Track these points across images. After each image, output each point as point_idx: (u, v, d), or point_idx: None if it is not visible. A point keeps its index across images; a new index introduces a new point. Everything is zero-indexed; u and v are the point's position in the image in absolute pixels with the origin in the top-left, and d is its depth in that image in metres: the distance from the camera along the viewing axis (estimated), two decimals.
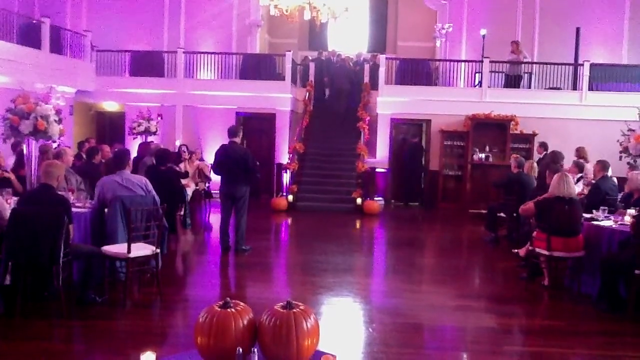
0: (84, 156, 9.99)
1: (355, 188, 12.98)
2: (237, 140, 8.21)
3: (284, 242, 10.61)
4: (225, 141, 8.35)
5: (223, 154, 8.09)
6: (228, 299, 3.04)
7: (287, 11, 9.14)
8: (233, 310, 2.93)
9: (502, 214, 9.61)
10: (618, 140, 9.51)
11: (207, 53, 15.70)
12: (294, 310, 2.88)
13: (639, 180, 6.99)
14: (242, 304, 3.04)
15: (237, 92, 14.77)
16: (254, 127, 14.86)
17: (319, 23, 9.89)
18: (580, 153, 11.08)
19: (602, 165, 8.13)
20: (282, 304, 2.97)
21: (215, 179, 9.46)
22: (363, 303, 6.31)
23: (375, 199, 13.27)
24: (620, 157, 9.61)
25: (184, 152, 11.77)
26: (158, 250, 5.88)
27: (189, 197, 10.41)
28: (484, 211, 10.60)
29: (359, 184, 13.13)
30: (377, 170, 14.06)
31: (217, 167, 8.22)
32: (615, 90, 14.27)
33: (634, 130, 8.63)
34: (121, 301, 5.67)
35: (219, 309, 2.95)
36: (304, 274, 7.54)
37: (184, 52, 15.30)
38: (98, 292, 5.61)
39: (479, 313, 5.97)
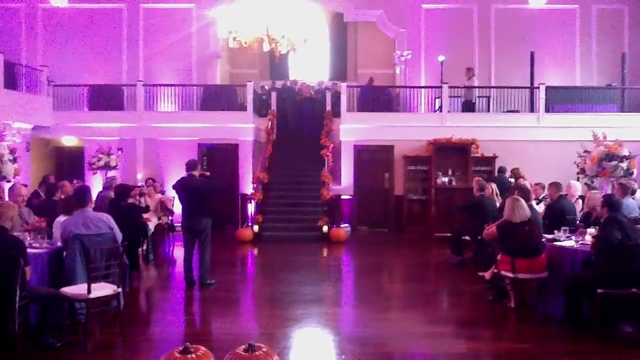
0: (42, 194, 9.70)
1: (320, 216, 12.95)
2: (196, 173, 8.12)
3: (250, 274, 10.43)
4: None
5: (181, 188, 8.01)
6: (188, 344, 2.93)
7: (245, 43, 9.13)
8: (193, 355, 2.82)
9: (466, 237, 9.69)
10: (575, 162, 9.73)
11: (167, 85, 15.61)
12: (256, 352, 2.79)
13: (597, 200, 7.13)
14: (202, 348, 2.93)
15: (199, 123, 14.69)
16: (217, 158, 14.78)
17: (279, 54, 9.92)
18: (514, 174, 11.32)
19: (556, 187, 8.33)
20: (243, 346, 2.88)
21: (178, 212, 9.31)
22: (332, 334, 6.21)
23: (342, 225, 13.25)
24: (578, 178, 9.83)
25: (150, 185, 11.62)
26: (119, 289, 5.71)
27: (151, 232, 10.19)
28: (449, 234, 10.67)
29: (325, 212, 13.11)
30: (343, 197, 14.08)
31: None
32: (570, 111, 14.68)
33: (589, 152, 8.86)
34: (81, 344, 5.44)
35: (179, 356, 2.84)
36: (271, 306, 7.41)
37: (143, 85, 15.17)
38: (57, 336, 5.39)
39: (448, 339, 5.94)
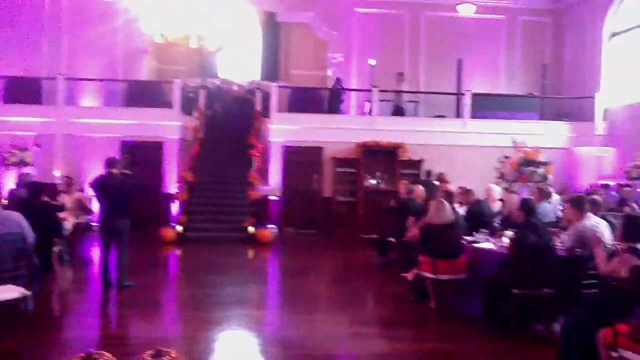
0: None
1: (247, 217, 12.76)
2: (115, 171, 7.80)
3: (171, 276, 10.13)
4: None
5: (98, 186, 7.68)
6: (91, 350, 2.75)
7: (172, 39, 8.90)
8: None
9: (392, 239, 9.79)
10: (495, 167, 10.05)
11: (90, 80, 14.97)
12: (164, 358, 2.64)
13: (515, 203, 7.35)
14: (107, 355, 2.75)
15: (123, 120, 14.15)
16: (141, 156, 14.17)
17: (207, 51, 9.74)
18: (440, 178, 11.64)
19: (468, 192, 8.62)
20: (150, 352, 2.72)
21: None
22: (255, 336, 6.10)
23: (268, 227, 13.12)
24: (498, 183, 10.15)
25: (67, 183, 11.08)
26: (29, 292, 5.37)
27: (67, 232, 9.70)
28: (376, 236, 10.75)
29: (251, 213, 12.94)
30: (270, 197, 13.96)
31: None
32: (494, 118, 15.17)
33: (508, 158, 9.18)
34: None
35: None
36: (193, 309, 7.20)
37: (64, 78, 14.47)
38: None
39: (371, 339, 5.95)
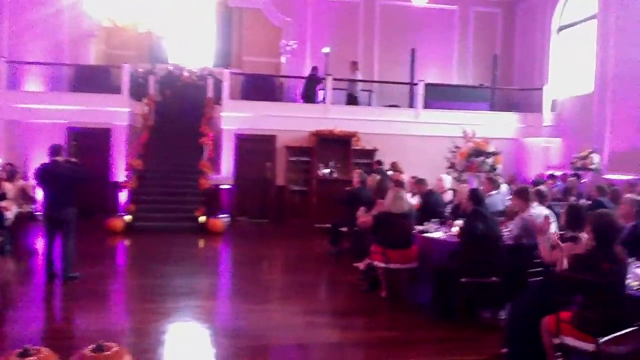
0: None
1: (198, 206, 12.56)
2: (60, 159, 7.53)
3: (119, 267, 9.87)
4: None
5: (43, 175, 7.40)
6: (28, 346, 2.62)
7: (120, 23, 8.62)
8: (33, 358, 2.52)
9: (344, 228, 9.81)
10: (446, 157, 10.15)
11: (34, 63, 14.37)
12: (105, 352, 2.55)
13: (465, 192, 7.45)
14: (45, 350, 2.64)
15: (69, 105, 13.65)
16: (88, 143, 13.78)
17: (157, 36, 9.49)
18: (393, 167, 11.75)
19: (421, 182, 8.73)
20: (92, 346, 2.62)
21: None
22: (206, 327, 6.02)
23: (220, 216, 12.96)
24: (448, 172, 10.29)
25: (10, 170, 10.64)
26: None
27: (9, 221, 9.32)
28: (329, 225, 10.76)
29: (203, 202, 12.74)
30: (222, 186, 13.78)
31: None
32: (446, 108, 15.37)
33: (459, 148, 9.30)
34: None
35: (17, 359, 2.53)
36: (142, 300, 7.05)
37: (6, 61, 13.86)
38: None
39: (323, 329, 5.97)
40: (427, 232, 6.98)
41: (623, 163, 12.81)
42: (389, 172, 12.15)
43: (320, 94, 15.42)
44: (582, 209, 4.88)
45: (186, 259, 9.70)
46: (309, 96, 15.38)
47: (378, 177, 10.16)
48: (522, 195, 6.31)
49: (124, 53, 17.16)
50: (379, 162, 12.80)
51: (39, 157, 12.59)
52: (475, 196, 6.17)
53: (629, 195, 6.17)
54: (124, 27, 9.07)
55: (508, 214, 7.26)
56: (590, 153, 12.66)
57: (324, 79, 15.22)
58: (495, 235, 5.86)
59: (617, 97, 13.41)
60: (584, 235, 4.67)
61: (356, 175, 10.18)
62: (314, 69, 15.74)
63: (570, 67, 15.76)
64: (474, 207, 6.03)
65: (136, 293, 7.56)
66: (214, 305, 7.19)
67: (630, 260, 4.36)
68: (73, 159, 7.93)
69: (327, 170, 14.28)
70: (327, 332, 5.88)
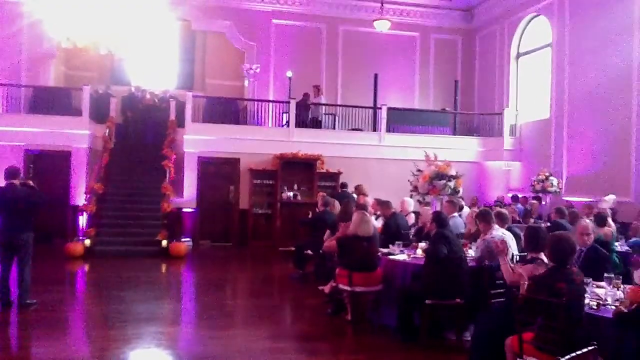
0: None
1: (160, 230, 12.36)
2: (17, 182, 7.33)
3: (79, 293, 9.59)
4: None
5: None
6: None
7: (80, 45, 8.48)
8: None
9: (309, 252, 9.78)
10: (409, 180, 10.27)
11: None
12: None
13: (429, 215, 7.54)
14: None
15: (26, 127, 13.32)
16: (47, 166, 13.46)
17: (118, 58, 9.39)
18: (358, 190, 11.87)
19: (386, 205, 8.79)
20: None
21: None
22: (169, 354, 5.88)
23: (183, 240, 12.77)
24: (411, 195, 10.40)
25: None
26: None
27: None
28: (293, 248, 10.72)
29: (165, 225, 12.54)
30: (185, 210, 13.60)
31: None
32: (408, 132, 15.60)
33: (421, 171, 9.44)
34: None
35: None
36: (101, 327, 6.84)
37: None
38: None
39: (288, 354, 5.90)
40: (391, 254, 7.01)
41: (580, 185, 13.22)
42: (354, 195, 12.20)
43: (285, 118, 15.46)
44: (541, 230, 4.98)
45: (148, 284, 9.51)
46: (301, 121, 15.41)
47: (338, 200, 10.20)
48: (485, 217, 6.41)
49: (84, 74, 16.92)
50: (343, 185, 12.86)
51: None
52: (439, 219, 6.24)
53: (582, 220, 6.34)
54: (85, 48, 8.92)
55: (467, 236, 7.36)
56: (548, 176, 13.00)
57: (313, 104, 15.29)
58: (459, 257, 5.92)
59: (572, 122, 13.87)
60: (543, 257, 4.77)
61: (320, 198, 10.19)
62: (305, 95, 15.85)
63: (529, 92, 16.25)
64: (437, 230, 6.09)
65: (96, 320, 7.33)
66: (177, 331, 7.03)
67: (587, 280, 4.45)
68: (30, 182, 7.71)
69: (291, 194, 14.28)
70: (293, 356, 5.83)
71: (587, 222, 6.03)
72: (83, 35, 8.48)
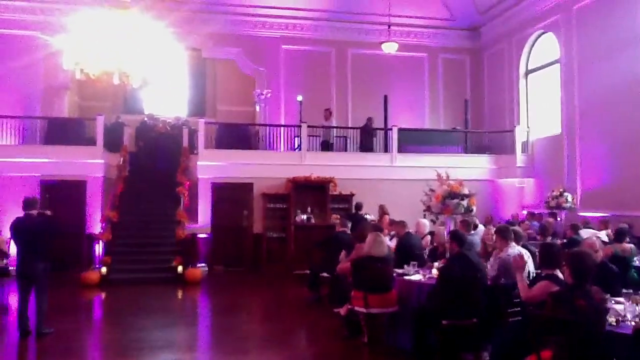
0: None
1: (175, 256, 12.40)
2: (34, 212, 7.43)
3: (95, 321, 9.62)
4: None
5: (16, 229, 7.30)
6: None
7: (94, 75, 8.63)
8: None
9: (324, 274, 9.75)
10: (421, 200, 10.22)
11: (7, 117, 14.26)
12: None
13: (443, 235, 7.52)
14: None
15: (42, 158, 13.49)
16: (62, 196, 13.54)
17: (131, 87, 9.53)
18: (381, 210, 11.82)
19: (401, 225, 8.75)
20: None
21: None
22: None
23: (198, 265, 12.80)
24: (424, 215, 10.35)
25: None
26: None
27: None
28: (307, 272, 10.69)
29: (179, 252, 12.58)
30: (199, 235, 13.65)
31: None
32: (420, 152, 15.60)
33: (434, 191, 9.39)
34: None
35: None
36: (118, 355, 6.86)
37: None
38: None
39: None
40: (406, 275, 6.98)
41: (595, 200, 13.09)
42: (368, 216, 12.17)
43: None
44: (555, 247, 4.94)
45: (163, 311, 9.53)
46: (365, 146, 15.52)
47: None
48: (503, 233, 6.38)
49: (97, 104, 17.17)
50: (358, 207, 12.83)
51: (12, 211, 12.40)
52: (457, 237, 6.21)
53: (588, 238, 6.30)
54: (98, 79, 9.07)
55: (482, 254, 7.31)
56: (563, 192, 12.90)
57: (376, 129, 15.37)
58: (473, 276, 5.86)
59: (584, 136, 13.80)
60: (558, 273, 4.74)
61: (337, 219, 10.19)
62: (369, 119, 15.98)
63: (539, 109, 16.22)
64: (458, 250, 6.07)
65: (112, 348, 7.34)
66: (193, 357, 7.03)
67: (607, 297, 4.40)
68: (47, 212, 7.81)
69: (304, 217, 14.28)
70: None
71: (594, 239, 6.00)
72: (96, 66, 8.64)
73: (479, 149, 16.68)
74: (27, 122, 14.31)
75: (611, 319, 4.24)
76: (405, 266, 7.21)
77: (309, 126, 15.17)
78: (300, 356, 6.93)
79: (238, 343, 7.49)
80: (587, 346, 3.82)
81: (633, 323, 4.18)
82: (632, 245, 7.86)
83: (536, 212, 13.98)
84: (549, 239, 10.19)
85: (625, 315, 4.38)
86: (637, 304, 4.57)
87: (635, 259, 7.87)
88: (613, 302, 4.60)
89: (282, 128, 16.06)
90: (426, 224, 9.54)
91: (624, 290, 4.70)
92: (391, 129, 15.69)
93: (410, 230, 8.94)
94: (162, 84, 17.79)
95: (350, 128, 16.42)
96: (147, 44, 8.65)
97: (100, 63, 8.64)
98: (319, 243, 10.49)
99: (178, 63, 16.80)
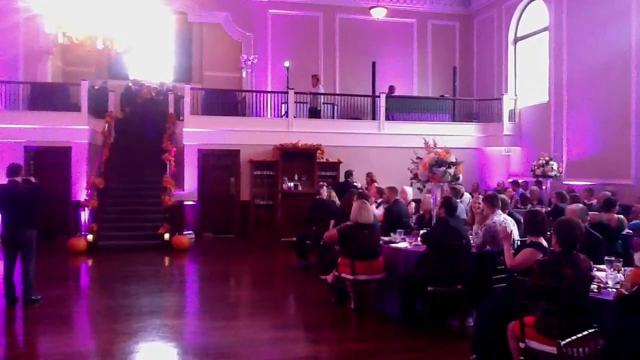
0: None
1: (162, 223, 12.39)
2: (19, 179, 7.36)
3: (83, 288, 9.64)
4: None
5: (1, 196, 7.25)
6: None
7: (77, 40, 8.46)
8: None
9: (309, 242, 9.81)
10: (409, 168, 10.24)
11: None
12: None
13: (430, 202, 7.57)
14: None
15: (26, 124, 13.30)
16: (47, 162, 13.44)
17: (115, 52, 9.38)
18: (369, 177, 11.83)
19: (393, 190, 8.77)
20: None
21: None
22: (173, 346, 5.93)
23: (185, 233, 12.81)
24: (411, 183, 10.38)
25: None
26: None
27: None
28: (295, 239, 10.74)
29: (167, 219, 12.57)
30: (186, 203, 13.63)
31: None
32: (408, 119, 15.56)
33: (421, 159, 9.41)
34: None
35: None
36: (106, 321, 6.88)
37: None
38: None
39: (292, 343, 5.94)
40: (393, 242, 7.04)
41: (581, 169, 13.22)
42: (357, 184, 12.16)
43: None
44: (540, 215, 4.98)
45: (151, 278, 9.56)
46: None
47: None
48: (491, 201, 6.44)
49: (81, 70, 16.83)
50: (348, 174, 12.83)
51: None
52: (448, 204, 6.25)
53: (571, 206, 6.36)
54: (81, 44, 8.89)
55: (470, 221, 7.38)
56: (548, 160, 12.98)
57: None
58: (459, 243, 5.93)
59: (571, 105, 13.84)
60: (542, 241, 4.79)
61: (322, 185, 10.22)
62: (391, 87, 15.85)
63: (528, 77, 16.19)
64: (443, 216, 6.13)
65: (100, 314, 7.37)
66: (181, 323, 7.06)
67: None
68: (32, 179, 7.74)
69: (291, 184, 14.28)
70: (297, 346, 5.86)
71: (576, 206, 6.10)
72: (79, 30, 8.47)
73: (467, 117, 16.68)
74: (9, 87, 14.04)
75: (593, 286, 4.31)
76: (392, 234, 7.27)
77: (296, 92, 15.04)
78: (288, 322, 7.01)
79: (226, 309, 7.54)
80: (571, 312, 3.90)
81: (614, 290, 4.26)
82: (621, 217, 7.86)
83: (521, 181, 14.08)
84: (528, 207, 10.34)
85: (606, 282, 4.47)
86: (618, 271, 4.67)
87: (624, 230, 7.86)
88: (595, 269, 4.67)
89: (269, 94, 15.90)
90: (410, 191, 9.57)
91: (606, 258, 4.77)
92: (379, 96, 15.61)
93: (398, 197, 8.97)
94: (148, 48, 17.50)
95: (338, 95, 16.31)
96: (132, 7, 8.48)
97: (82, 27, 8.47)
98: (307, 219, 10.44)
99: (163, 27, 16.53)
